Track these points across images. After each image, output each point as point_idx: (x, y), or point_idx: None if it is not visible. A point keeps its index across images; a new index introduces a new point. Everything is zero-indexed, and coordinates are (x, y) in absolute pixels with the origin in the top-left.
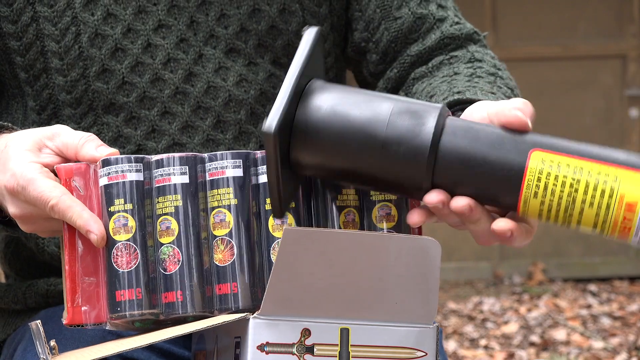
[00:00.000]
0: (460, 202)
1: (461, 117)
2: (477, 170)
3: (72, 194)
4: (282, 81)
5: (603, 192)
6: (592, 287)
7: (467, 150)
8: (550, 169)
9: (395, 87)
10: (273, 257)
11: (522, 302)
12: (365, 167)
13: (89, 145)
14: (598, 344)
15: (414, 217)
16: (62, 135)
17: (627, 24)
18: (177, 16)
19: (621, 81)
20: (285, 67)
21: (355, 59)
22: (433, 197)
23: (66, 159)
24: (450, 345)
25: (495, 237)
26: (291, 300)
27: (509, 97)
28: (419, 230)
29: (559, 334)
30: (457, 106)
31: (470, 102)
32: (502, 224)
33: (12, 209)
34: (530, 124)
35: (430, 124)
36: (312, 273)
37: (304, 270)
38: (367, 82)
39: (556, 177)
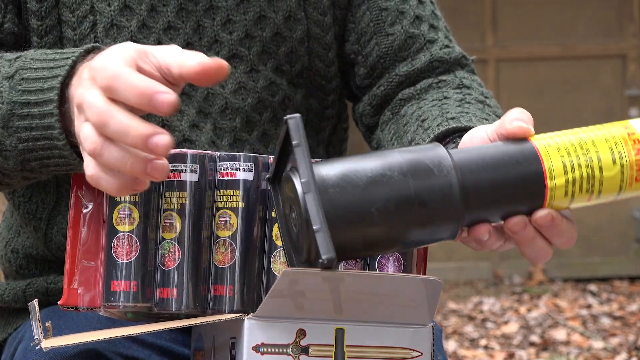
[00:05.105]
0: (516, 220)
1: (461, 142)
2: (503, 192)
3: None
4: (282, 89)
5: (606, 133)
6: (592, 287)
7: (487, 178)
8: (555, 143)
9: (380, 105)
10: (272, 265)
11: (522, 302)
12: (401, 231)
13: None
14: (598, 344)
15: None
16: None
17: (627, 24)
18: (184, 19)
19: (621, 81)
20: (286, 75)
21: (344, 70)
22: (481, 231)
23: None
24: (450, 345)
25: (539, 238)
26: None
27: None
28: (424, 267)
29: (559, 334)
30: (456, 133)
31: (466, 129)
32: (542, 212)
33: None
34: (532, 129)
35: (449, 170)
36: (311, 300)
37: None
38: (352, 95)
39: (564, 144)
